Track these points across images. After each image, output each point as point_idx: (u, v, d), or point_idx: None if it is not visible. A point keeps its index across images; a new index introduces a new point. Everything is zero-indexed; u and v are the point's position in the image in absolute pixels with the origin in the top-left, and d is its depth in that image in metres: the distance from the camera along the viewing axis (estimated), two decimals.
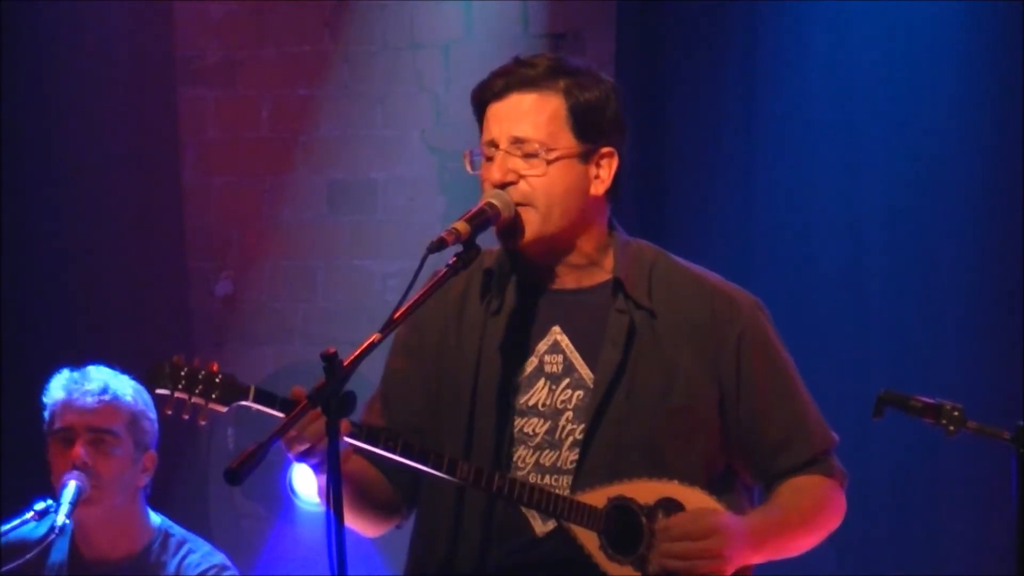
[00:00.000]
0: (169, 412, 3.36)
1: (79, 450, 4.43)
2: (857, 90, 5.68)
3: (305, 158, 6.53)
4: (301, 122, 6.52)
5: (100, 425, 4.48)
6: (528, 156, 3.42)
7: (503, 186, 3.41)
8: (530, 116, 3.42)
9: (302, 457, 3.26)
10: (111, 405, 4.50)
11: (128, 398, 4.51)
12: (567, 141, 3.43)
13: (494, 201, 3.39)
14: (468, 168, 3.50)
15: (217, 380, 3.33)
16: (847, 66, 5.69)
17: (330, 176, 6.52)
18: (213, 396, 3.32)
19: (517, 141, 3.42)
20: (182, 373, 3.32)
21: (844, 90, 5.70)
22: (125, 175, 6.29)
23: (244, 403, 3.33)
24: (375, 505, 3.52)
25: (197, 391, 3.32)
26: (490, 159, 3.44)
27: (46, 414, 4.56)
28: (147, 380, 3.36)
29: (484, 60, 5.28)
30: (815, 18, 5.73)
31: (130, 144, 6.31)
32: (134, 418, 4.52)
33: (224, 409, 3.34)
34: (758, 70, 5.80)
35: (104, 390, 4.50)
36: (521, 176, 3.41)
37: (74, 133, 6.18)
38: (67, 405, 4.50)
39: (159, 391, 3.35)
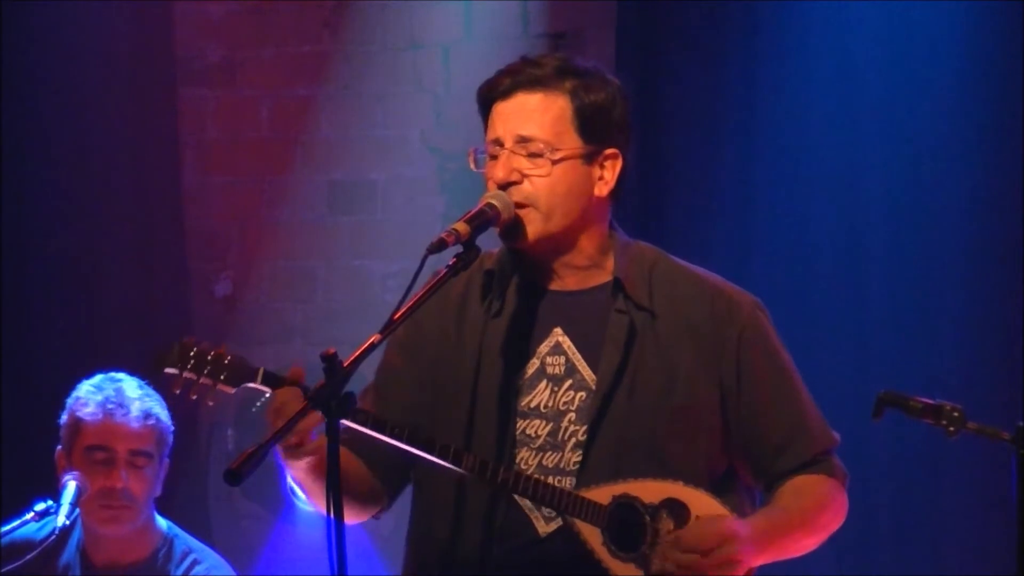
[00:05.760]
0: (177, 392, 3.38)
1: (120, 474, 4.47)
2: (857, 90, 5.68)
3: (305, 158, 6.54)
4: (301, 122, 6.52)
5: (139, 448, 4.52)
6: (533, 156, 3.42)
7: (506, 185, 3.41)
8: (536, 116, 3.42)
9: (290, 455, 3.27)
10: (153, 429, 4.53)
11: (163, 417, 4.55)
12: (572, 142, 3.43)
13: (494, 202, 3.39)
14: (472, 166, 3.50)
15: (226, 362, 3.35)
16: (847, 66, 5.69)
17: (330, 176, 6.52)
18: (221, 377, 3.35)
19: (522, 140, 3.42)
20: (191, 354, 3.35)
21: (844, 90, 5.70)
22: (125, 175, 6.29)
23: (252, 385, 3.34)
24: (351, 495, 3.47)
25: (205, 372, 3.34)
26: (494, 157, 3.44)
27: (68, 420, 4.54)
28: (156, 360, 3.37)
29: (484, 60, 5.29)
30: (815, 18, 5.73)
31: (130, 144, 6.31)
32: (163, 435, 4.56)
33: (232, 391, 3.36)
34: (758, 70, 5.80)
35: (147, 414, 4.52)
36: (525, 176, 3.41)
37: (74, 133, 6.18)
38: (108, 427, 4.50)
39: (168, 370, 3.37)
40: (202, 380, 3.35)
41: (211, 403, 3.38)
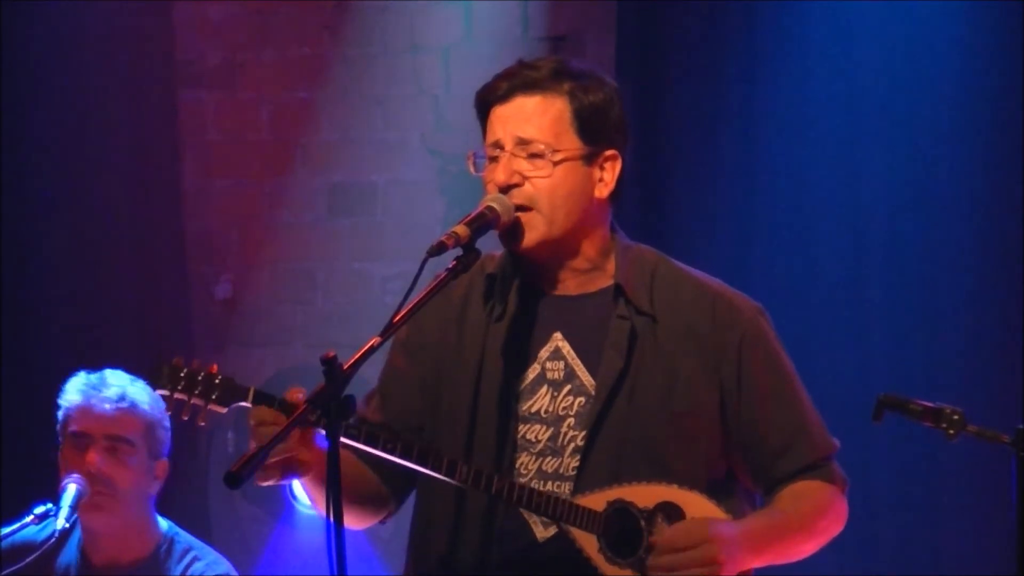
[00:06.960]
0: (169, 413, 3.38)
1: (94, 457, 4.45)
2: (857, 90, 5.68)
3: (305, 161, 6.54)
4: (301, 125, 6.52)
5: (117, 433, 4.49)
6: (533, 157, 3.41)
7: (507, 188, 3.40)
8: (535, 118, 3.42)
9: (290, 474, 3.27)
10: (129, 413, 4.50)
11: (145, 406, 4.52)
12: (572, 142, 3.43)
13: (494, 205, 3.39)
14: (471, 170, 3.50)
15: (216, 381, 3.34)
16: (847, 66, 5.69)
17: (330, 179, 6.52)
18: (212, 397, 3.33)
19: (522, 142, 3.41)
20: (181, 374, 3.34)
21: (844, 90, 5.70)
22: (125, 178, 6.30)
23: (243, 404, 3.34)
24: (359, 499, 3.50)
25: (196, 392, 3.33)
26: (494, 160, 3.44)
27: (60, 415, 4.56)
28: (147, 381, 3.38)
29: (484, 63, 5.29)
30: (815, 18, 5.73)
31: (130, 147, 6.32)
32: (150, 427, 4.53)
33: (224, 410, 3.35)
34: (758, 70, 5.80)
35: (122, 397, 4.50)
36: (526, 178, 3.41)
37: (74, 136, 6.19)
38: (84, 410, 4.50)
39: (158, 392, 3.37)
40: (193, 400, 3.33)
41: (202, 423, 3.37)
